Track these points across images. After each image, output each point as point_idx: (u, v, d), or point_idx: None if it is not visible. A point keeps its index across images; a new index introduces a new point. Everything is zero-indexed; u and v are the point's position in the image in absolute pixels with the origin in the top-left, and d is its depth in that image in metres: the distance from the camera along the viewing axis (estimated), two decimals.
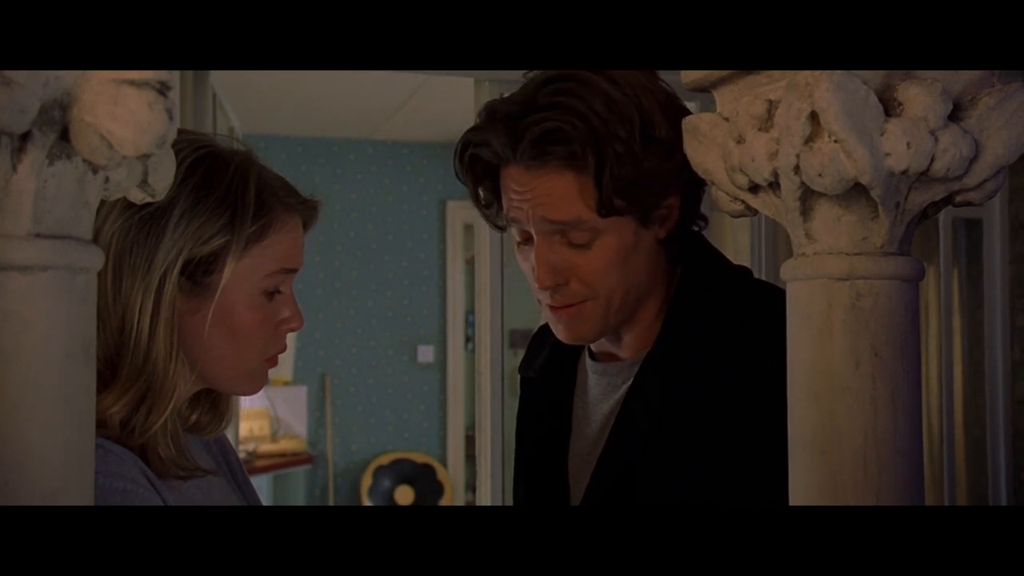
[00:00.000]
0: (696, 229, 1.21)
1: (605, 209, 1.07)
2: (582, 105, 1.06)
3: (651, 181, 1.08)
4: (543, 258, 1.11)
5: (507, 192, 1.13)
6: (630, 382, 1.16)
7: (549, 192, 1.08)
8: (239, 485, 1.17)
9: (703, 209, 1.20)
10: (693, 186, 1.12)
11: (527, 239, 1.15)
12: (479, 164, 1.15)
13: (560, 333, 1.17)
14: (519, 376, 1.37)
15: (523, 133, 1.07)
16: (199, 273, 0.98)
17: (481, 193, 1.18)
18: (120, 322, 0.96)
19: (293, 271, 1.06)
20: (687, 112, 1.13)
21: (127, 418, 0.96)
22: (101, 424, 0.94)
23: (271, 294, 1.04)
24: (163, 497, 0.95)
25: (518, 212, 1.12)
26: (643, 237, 1.12)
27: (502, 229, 1.22)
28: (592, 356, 1.25)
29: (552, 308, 1.14)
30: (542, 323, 1.35)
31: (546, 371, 1.30)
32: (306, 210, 1.08)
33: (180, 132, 1.05)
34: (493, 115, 1.11)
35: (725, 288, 1.16)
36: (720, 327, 1.12)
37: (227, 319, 1.01)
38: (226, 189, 0.99)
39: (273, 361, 1.07)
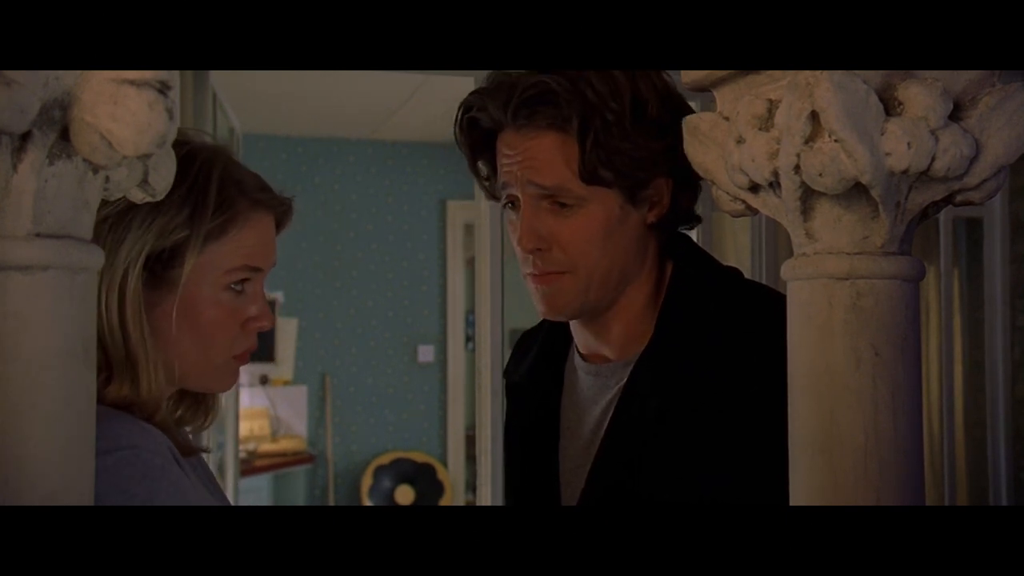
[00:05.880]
0: (688, 227, 1.22)
1: (588, 175, 1.09)
2: (576, 73, 1.09)
3: (638, 156, 1.10)
4: (527, 222, 1.14)
5: (501, 158, 1.16)
6: (623, 382, 1.15)
7: (536, 155, 1.12)
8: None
9: (703, 210, 1.21)
10: (687, 176, 1.12)
11: (516, 205, 1.17)
12: (476, 131, 1.18)
13: (539, 304, 1.18)
14: (505, 381, 1.38)
15: (516, 93, 1.11)
16: (159, 267, 0.99)
17: (480, 165, 1.21)
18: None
19: (258, 270, 1.06)
20: (686, 105, 1.14)
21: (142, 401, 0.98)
22: (139, 406, 0.97)
23: (237, 291, 1.04)
24: (187, 476, 0.97)
25: (508, 176, 1.15)
26: (630, 215, 1.14)
27: (498, 199, 1.24)
28: (582, 357, 1.25)
29: (533, 277, 1.16)
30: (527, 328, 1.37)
31: (533, 374, 1.30)
32: (278, 208, 1.09)
33: None
34: (493, 80, 1.16)
35: (717, 288, 1.16)
36: (714, 327, 1.12)
37: (190, 314, 1.01)
38: (191, 184, 1.00)
39: (242, 358, 1.07)
